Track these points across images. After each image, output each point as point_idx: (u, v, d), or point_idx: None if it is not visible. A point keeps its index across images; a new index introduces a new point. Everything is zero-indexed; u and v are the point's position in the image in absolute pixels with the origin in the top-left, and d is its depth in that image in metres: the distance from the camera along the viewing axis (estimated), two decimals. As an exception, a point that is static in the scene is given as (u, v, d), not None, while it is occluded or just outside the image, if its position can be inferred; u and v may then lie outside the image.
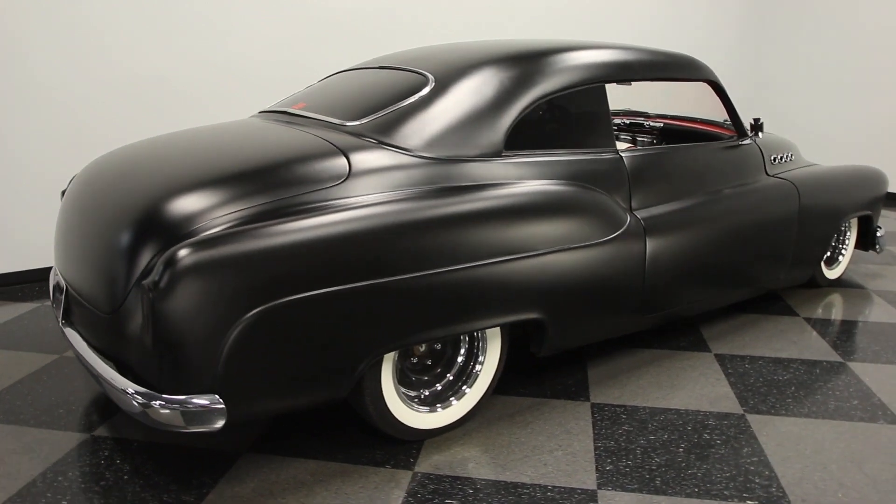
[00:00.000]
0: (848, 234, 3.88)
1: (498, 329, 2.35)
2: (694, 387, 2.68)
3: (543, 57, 2.52)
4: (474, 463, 2.15)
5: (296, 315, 1.81)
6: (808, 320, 3.40)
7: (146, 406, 1.73)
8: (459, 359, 2.36)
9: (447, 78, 2.39)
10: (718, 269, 2.95)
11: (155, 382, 1.75)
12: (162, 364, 1.72)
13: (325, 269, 1.84)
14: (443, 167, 2.20)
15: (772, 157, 3.37)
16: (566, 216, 2.35)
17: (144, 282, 1.70)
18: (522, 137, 2.40)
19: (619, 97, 3.94)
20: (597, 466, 2.14)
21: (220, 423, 1.76)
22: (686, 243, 2.77)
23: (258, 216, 1.86)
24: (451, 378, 2.35)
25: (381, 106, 2.34)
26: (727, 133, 3.33)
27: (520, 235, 2.20)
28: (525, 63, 2.47)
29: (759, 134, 3.28)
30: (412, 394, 2.27)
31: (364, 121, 2.29)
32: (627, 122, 3.78)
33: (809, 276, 3.58)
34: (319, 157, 2.06)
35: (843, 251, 3.88)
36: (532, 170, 2.38)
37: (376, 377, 2.08)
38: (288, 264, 1.79)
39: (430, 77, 2.41)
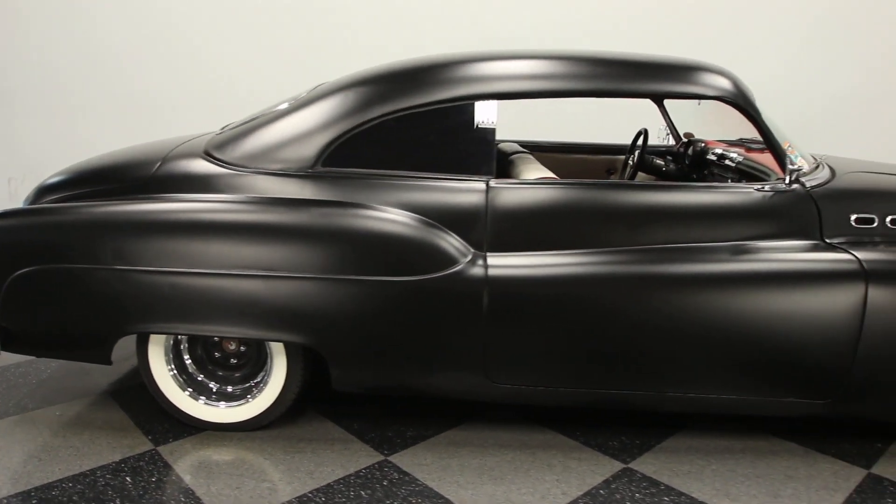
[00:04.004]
0: None
1: (283, 350, 2.30)
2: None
3: (393, 76, 2.32)
4: (200, 468, 2.20)
5: (54, 281, 2.24)
6: None
7: None
8: (261, 374, 2.41)
9: (309, 96, 2.42)
10: (663, 355, 2.15)
11: None
12: None
13: (77, 249, 2.21)
14: (241, 179, 2.28)
15: (852, 217, 2.16)
16: (349, 243, 2.14)
17: None
18: (350, 155, 2.26)
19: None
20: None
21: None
22: (587, 307, 2.13)
23: (63, 200, 2.35)
24: (233, 389, 2.44)
25: (243, 121, 2.53)
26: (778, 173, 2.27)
27: (273, 253, 2.14)
28: (371, 83, 2.32)
29: (799, 179, 2.15)
30: (206, 382, 2.43)
31: (217, 132, 2.54)
32: (719, 151, 2.85)
33: None
34: (142, 161, 2.42)
35: None
36: (344, 190, 2.23)
37: (144, 354, 2.35)
38: (53, 240, 2.24)
39: (305, 96, 2.47)
